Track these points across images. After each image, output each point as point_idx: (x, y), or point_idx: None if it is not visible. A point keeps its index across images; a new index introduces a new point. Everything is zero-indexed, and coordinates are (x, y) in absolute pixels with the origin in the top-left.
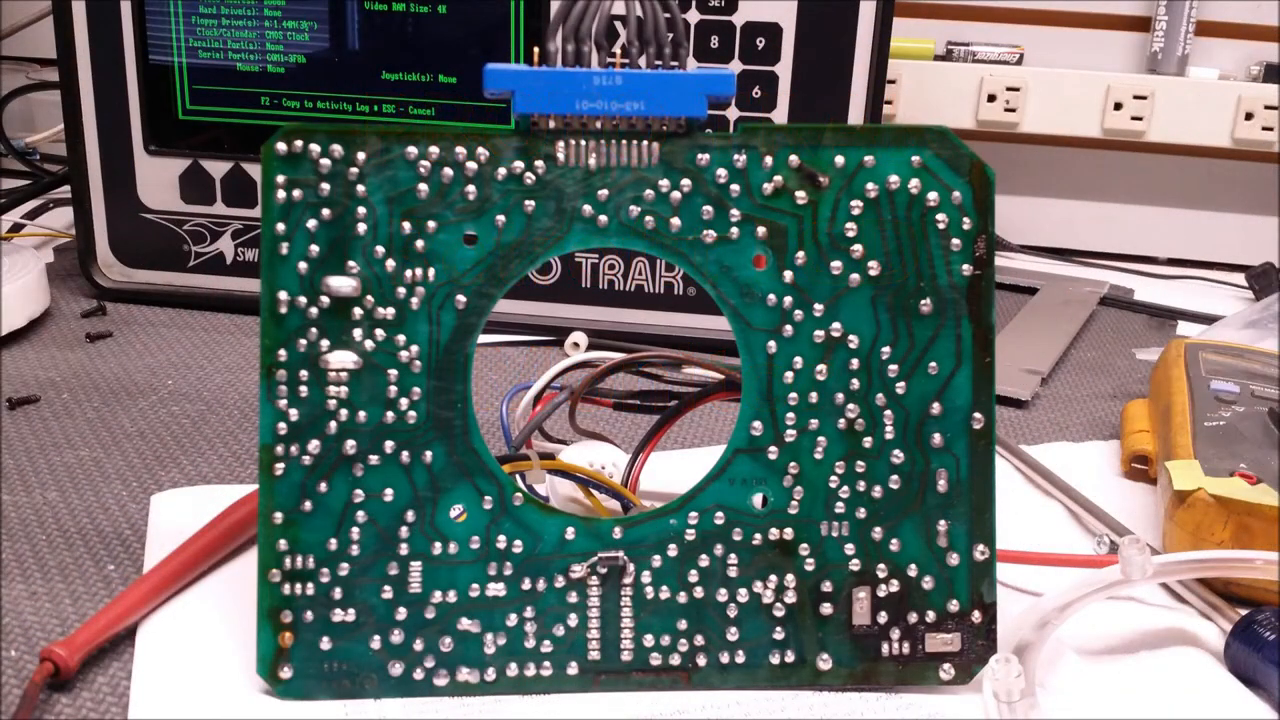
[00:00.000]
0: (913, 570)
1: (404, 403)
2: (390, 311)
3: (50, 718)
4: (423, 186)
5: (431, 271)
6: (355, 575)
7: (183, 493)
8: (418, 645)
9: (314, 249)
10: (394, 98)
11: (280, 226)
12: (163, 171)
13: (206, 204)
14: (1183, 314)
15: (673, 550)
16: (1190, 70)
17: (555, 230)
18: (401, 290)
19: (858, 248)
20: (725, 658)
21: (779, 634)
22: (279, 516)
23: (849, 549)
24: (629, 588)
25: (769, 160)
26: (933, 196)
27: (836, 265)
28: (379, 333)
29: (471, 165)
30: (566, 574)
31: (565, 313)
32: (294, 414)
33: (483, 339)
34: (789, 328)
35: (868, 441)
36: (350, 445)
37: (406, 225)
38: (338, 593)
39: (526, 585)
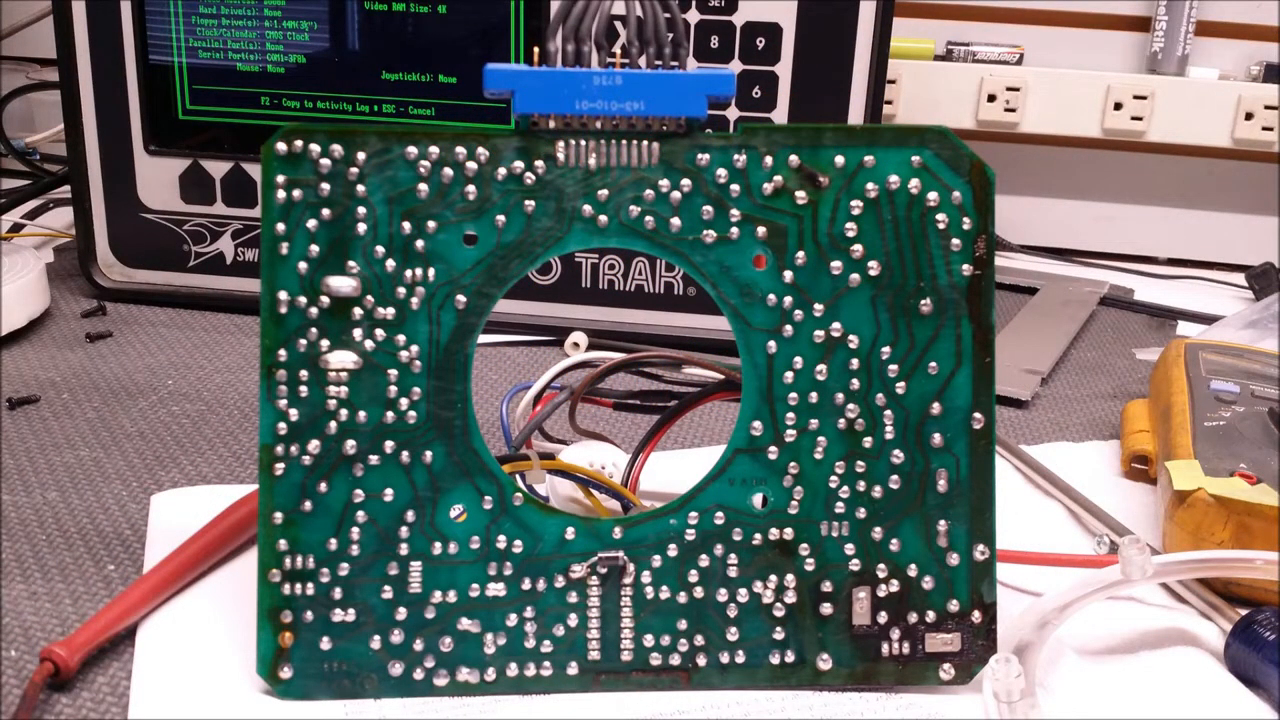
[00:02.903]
0: (913, 570)
1: (404, 403)
2: (390, 311)
3: (50, 718)
4: (423, 186)
5: (431, 271)
6: (355, 575)
7: (183, 493)
8: (418, 645)
9: (314, 249)
10: (394, 98)
11: (280, 226)
12: (163, 171)
13: (206, 204)
14: (1183, 314)
15: (673, 550)
16: (1190, 70)
17: (555, 230)
18: (401, 290)
19: (858, 248)
20: (725, 658)
21: (779, 634)
22: (279, 516)
23: (849, 549)
24: (629, 588)
25: (769, 160)
26: (933, 196)
27: (836, 265)
28: (379, 333)
29: (471, 165)
30: (566, 574)
31: (565, 313)
32: (294, 414)
33: (483, 339)
34: (789, 328)
35: (868, 441)
36: (350, 445)
37: (406, 225)
38: (338, 593)
39: (526, 585)
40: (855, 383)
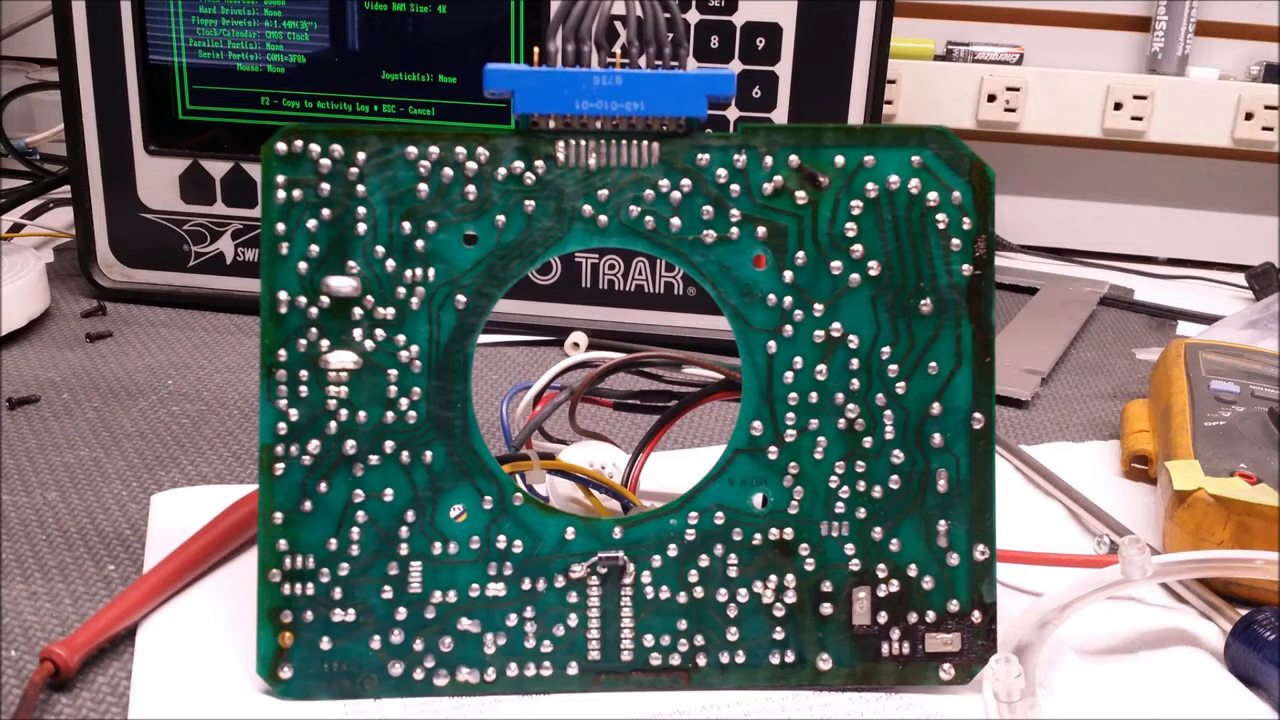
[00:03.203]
0: (913, 570)
1: (404, 403)
2: (390, 311)
3: (50, 718)
4: (423, 186)
5: (431, 271)
6: (355, 575)
7: (183, 493)
8: (418, 645)
9: (314, 249)
10: (394, 98)
11: (280, 226)
12: (163, 171)
13: (206, 204)
14: (1183, 314)
15: (673, 550)
16: (1190, 70)
17: (555, 230)
18: (401, 290)
19: (858, 248)
20: (725, 658)
21: (779, 634)
22: (279, 516)
23: (849, 549)
24: (629, 588)
25: (769, 160)
26: (933, 196)
27: (836, 265)
28: (379, 333)
29: (471, 165)
30: (566, 574)
31: (565, 313)
32: (294, 414)
33: (483, 339)
34: (789, 328)
35: (868, 441)
36: (350, 445)
37: (406, 225)
38: (338, 593)
39: (526, 585)
40: (855, 383)
